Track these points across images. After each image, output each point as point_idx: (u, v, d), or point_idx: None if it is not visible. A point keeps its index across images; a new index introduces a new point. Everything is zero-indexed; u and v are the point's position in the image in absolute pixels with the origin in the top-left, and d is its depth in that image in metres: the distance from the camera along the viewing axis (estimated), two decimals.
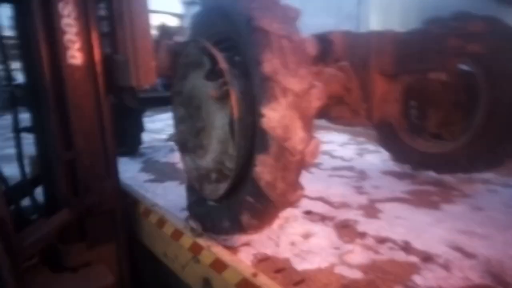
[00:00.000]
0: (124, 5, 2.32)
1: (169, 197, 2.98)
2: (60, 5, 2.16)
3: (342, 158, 4.24)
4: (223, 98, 1.91)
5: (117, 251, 2.51)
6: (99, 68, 2.35)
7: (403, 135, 3.51)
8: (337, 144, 4.99)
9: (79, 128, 2.36)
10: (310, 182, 3.11)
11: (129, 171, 3.81)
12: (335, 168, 3.83)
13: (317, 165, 3.93)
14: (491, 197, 2.90)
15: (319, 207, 2.72)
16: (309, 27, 2.34)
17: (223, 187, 2.05)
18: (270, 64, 1.66)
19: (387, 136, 3.68)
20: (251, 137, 1.81)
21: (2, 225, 2.04)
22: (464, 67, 3.02)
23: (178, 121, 2.43)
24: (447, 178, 3.31)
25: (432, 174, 3.41)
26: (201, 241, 2.06)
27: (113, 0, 2.44)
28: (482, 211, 2.61)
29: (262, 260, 1.98)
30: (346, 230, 2.33)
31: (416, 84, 3.09)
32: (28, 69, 2.59)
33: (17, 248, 2.01)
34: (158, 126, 6.72)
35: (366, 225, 2.38)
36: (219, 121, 2.00)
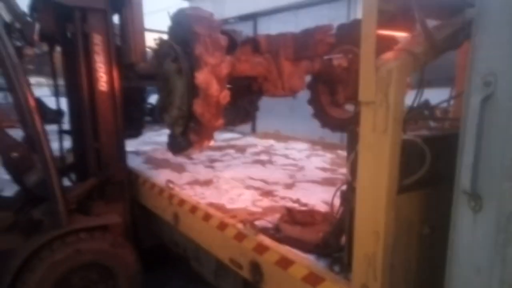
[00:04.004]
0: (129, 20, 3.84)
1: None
2: (95, 56, 3.68)
3: (293, 159, 5.64)
4: (180, 72, 3.33)
5: (124, 206, 3.95)
6: (117, 92, 3.84)
7: (327, 108, 4.94)
8: (296, 150, 6.39)
9: (103, 129, 3.84)
10: (261, 171, 4.58)
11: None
12: (284, 165, 5.22)
13: (272, 162, 5.36)
14: None
15: (258, 184, 4.11)
16: None
17: (182, 125, 3.48)
18: (198, 50, 3.06)
19: (318, 110, 5.11)
20: (193, 91, 3.21)
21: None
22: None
23: (159, 91, 3.84)
24: None
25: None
26: (175, 192, 3.49)
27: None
28: None
29: (211, 205, 3.37)
30: (266, 194, 3.72)
31: (326, 71, 4.43)
32: (70, 95, 4.13)
33: (66, 197, 3.47)
34: None
35: (280, 192, 3.77)
36: (178, 85, 3.40)
